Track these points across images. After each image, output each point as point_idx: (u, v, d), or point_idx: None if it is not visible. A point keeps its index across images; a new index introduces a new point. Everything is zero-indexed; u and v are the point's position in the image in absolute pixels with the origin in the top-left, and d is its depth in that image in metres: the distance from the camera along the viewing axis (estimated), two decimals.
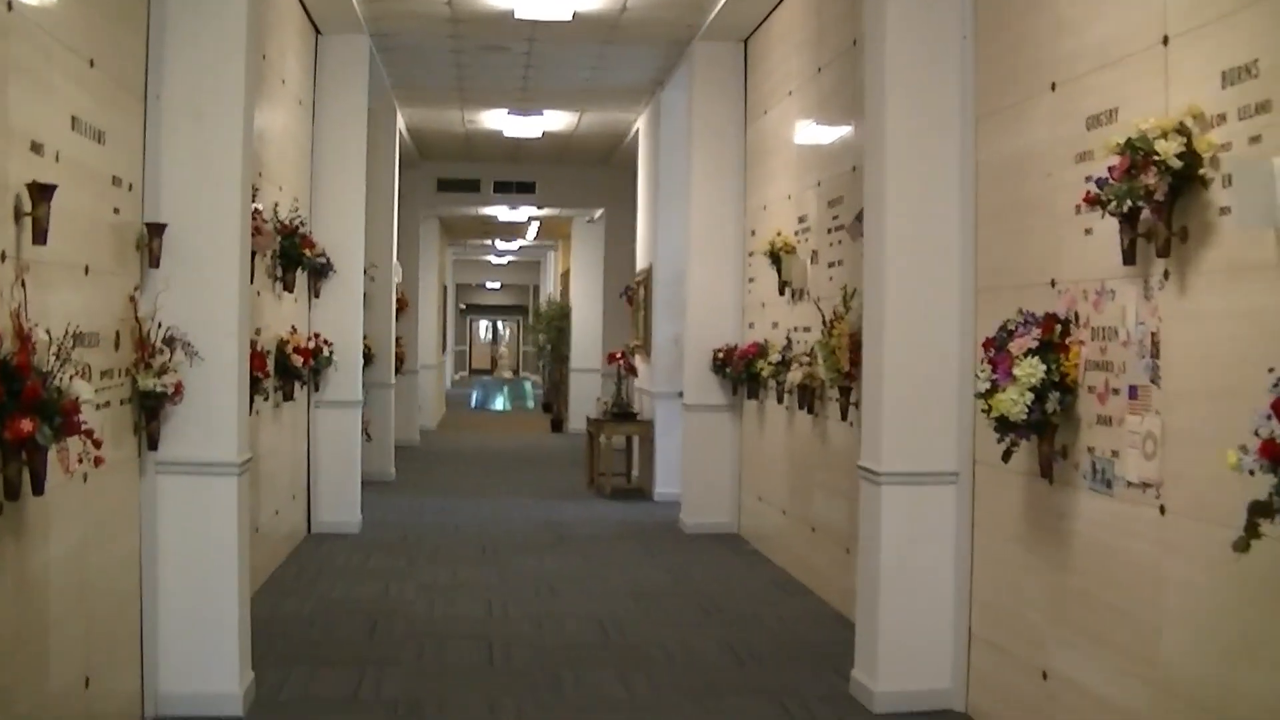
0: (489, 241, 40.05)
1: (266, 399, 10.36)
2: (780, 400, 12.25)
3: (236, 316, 7.57)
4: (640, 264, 19.02)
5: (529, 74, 16.88)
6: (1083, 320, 6.32)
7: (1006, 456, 6.60)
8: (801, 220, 11.81)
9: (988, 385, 6.48)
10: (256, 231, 9.51)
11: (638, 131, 19.98)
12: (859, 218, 9.23)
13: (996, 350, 6.50)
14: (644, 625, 10.12)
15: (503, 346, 65.65)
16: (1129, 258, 5.76)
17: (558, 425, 29.32)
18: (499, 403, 42.91)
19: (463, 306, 58.92)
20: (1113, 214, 5.68)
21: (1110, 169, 5.57)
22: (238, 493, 7.60)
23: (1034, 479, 6.75)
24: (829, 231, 10.89)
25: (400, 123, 19.61)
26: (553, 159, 24.59)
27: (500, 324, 67.68)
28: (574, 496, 17.79)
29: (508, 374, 59.85)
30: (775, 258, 12.15)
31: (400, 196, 19.48)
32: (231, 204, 7.57)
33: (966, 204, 7.73)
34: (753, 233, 13.80)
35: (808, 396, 11.16)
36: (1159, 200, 5.36)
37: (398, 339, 19.96)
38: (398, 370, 20.12)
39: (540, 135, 20.95)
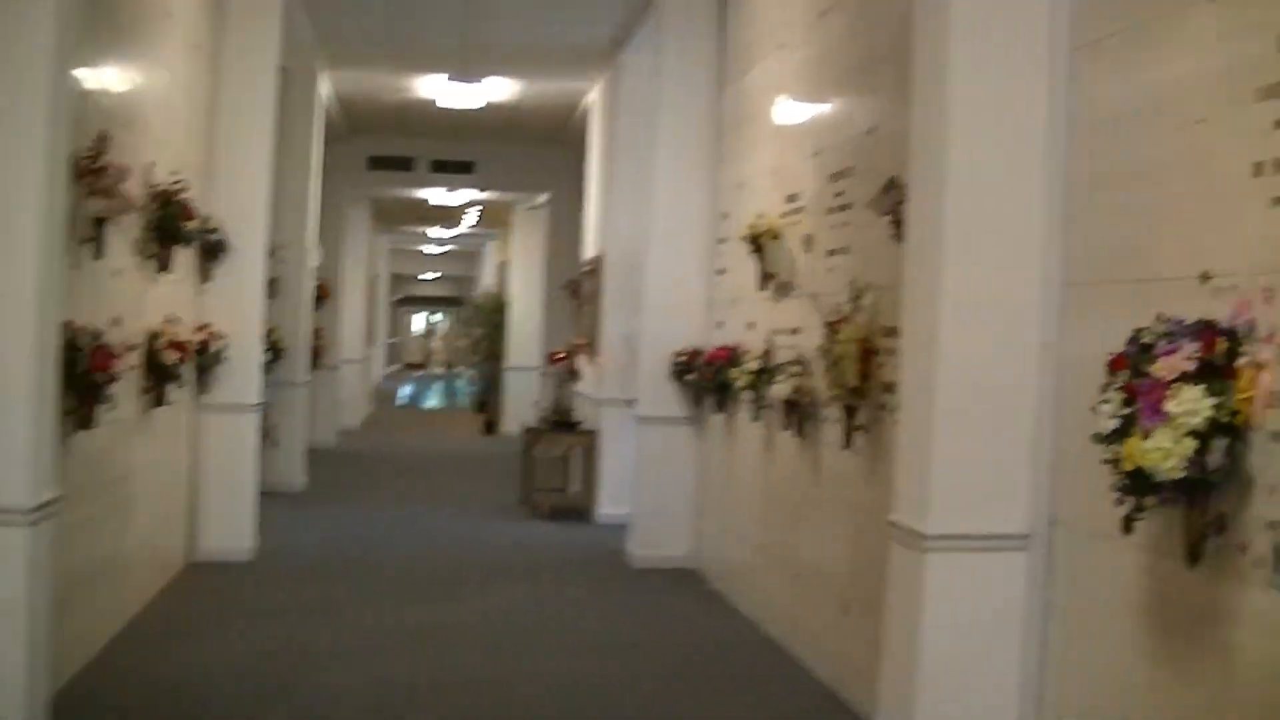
0: (424, 229, 37.97)
1: (114, 407, 8.05)
2: (757, 417, 10.24)
3: (34, 302, 5.49)
4: (589, 253, 17.15)
5: (470, 28, 14.80)
6: (1264, 331, 4.29)
7: (1128, 525, 4.58)
8: (791, 199, 9.78)
9: (1117, 424, 4.45)
10: (105, 192, 7.44)
11: (589, 106, 18.07)
12: (887, 189, 7.24)
13: (1134, 373, 4.45)
14: (591, 707, 8.06)
15: (436, 341, 63.93)
16: None
17: (491, 427, 27.35)
18: (430, 400, 41.15)
19: (399, 297, 57.44)
20: None
21: None
22: (31, 548, 5.51)
23: (1165, 559, 4.73)
24: (830, 212, 8.87)
25: (327, 88, 17.63)
26: (494, 136, 22.52)
27: (436, 317, 65.99)
28: (507, 515, 15.71)
29: (439, 369, 58.07)
30: (756, 244, 10.11)
31: (325, 173, 17.51)
32: (31, 138, 5.48)
33: (1054, 169, 5.69)
34: (725, 216, 11.78)
35: (796, 414, 9.15)
36: None
37: (317, 331, 18.09)
38: (316, 365, 18.23)
39: (484, 106, 18.86)
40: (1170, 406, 4.21)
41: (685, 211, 12.42)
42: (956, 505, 5.72)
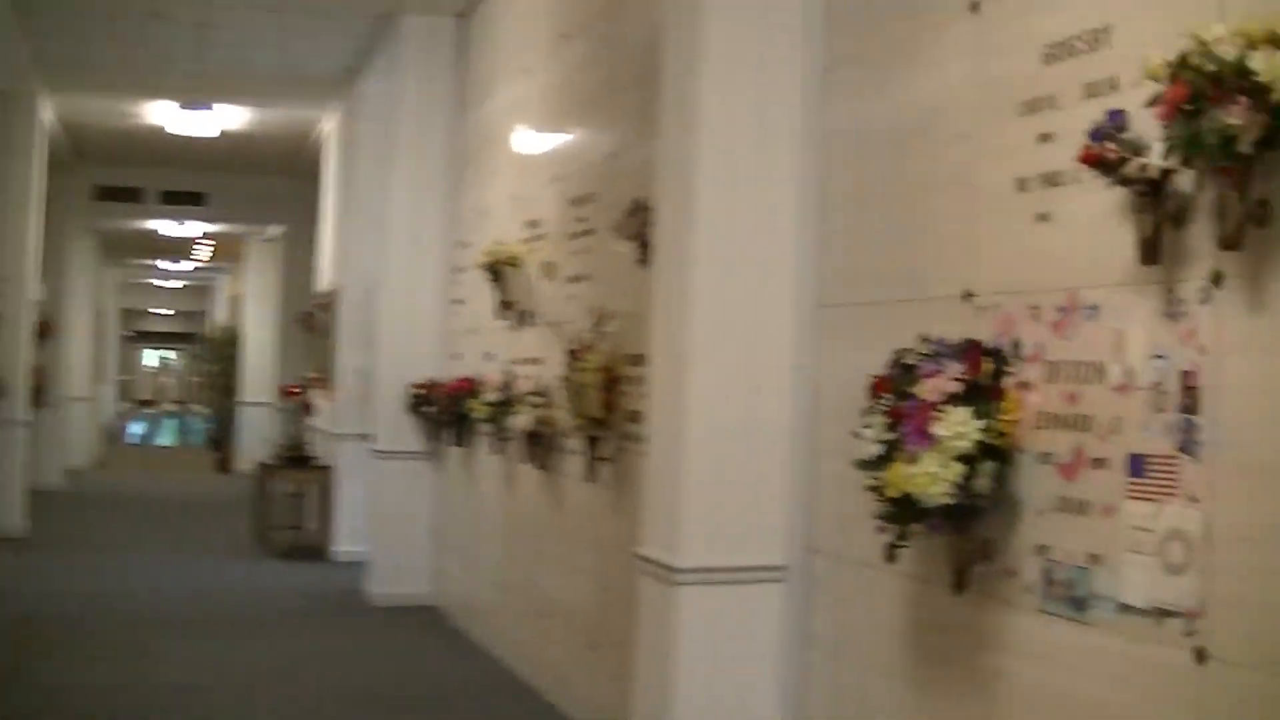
0: (154, 262, 36.93)
1: None
2: (497, 450, 9.95)
3: None
4: (323, 284, 16.73)
5: (202, 53, 14.34)
6: (1030, 350, 4.16)
7: (891, 553, 4.41)
8: (532, 225, 9.55)
9: (880, 449, 4.27)
10: None
11: (325, 135, 17.71)
12: (632, 212, 7.04)
13: (898, 395, 4.28)
14: None
15: (169, 377, 62.55)
16: (1150, 253, 3.61)
17: (225, 464, 26.61)
18: (163, 437, 40.22)
19: (131, 333, 56.00)
20: (1131, 181, 3.60)
21: (1162, 104, 3.38)
22: None
23: (930, 586, 4.57)
24: (572, 238, 8.66)
25: (49, 114, 16.97)
26: (227, 166, 21.87)
27: (170, 353, 64.58)
28: (239, 555, 15.15)
29: (172, 406, 56.78)
30: (495, 272, 9.83)
31: (48, 204, 16.91)
32: None
33: (809, 188, 5.52)
34: (463, 244, 11.50)
35: (538, 446, 8.90)
36: (1243, 153, 3.21)
37: (39, 368, 17.42)
38: (39, 403, 17.53)
39: (217, 134, 18.31)
40: (937, 429, 4.04)
41: (422, 240, 12.14)
42: (709, 537, 5.48)
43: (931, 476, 4.01)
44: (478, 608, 10.69)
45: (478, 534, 10.75)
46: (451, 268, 11.86)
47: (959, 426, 4.01)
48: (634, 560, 5.89)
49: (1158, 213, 3.57)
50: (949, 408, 4.07)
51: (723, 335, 5.49)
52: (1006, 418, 4.11)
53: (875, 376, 4.44)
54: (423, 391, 11.76)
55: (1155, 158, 3.49)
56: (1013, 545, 4.18)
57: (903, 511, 4.21)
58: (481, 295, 10.31)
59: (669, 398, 5.69)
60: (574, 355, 7.79)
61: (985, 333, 4.31)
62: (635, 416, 7.13)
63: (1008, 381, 4.18)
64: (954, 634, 4.48)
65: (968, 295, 4.46)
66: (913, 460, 4.08)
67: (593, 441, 7.77)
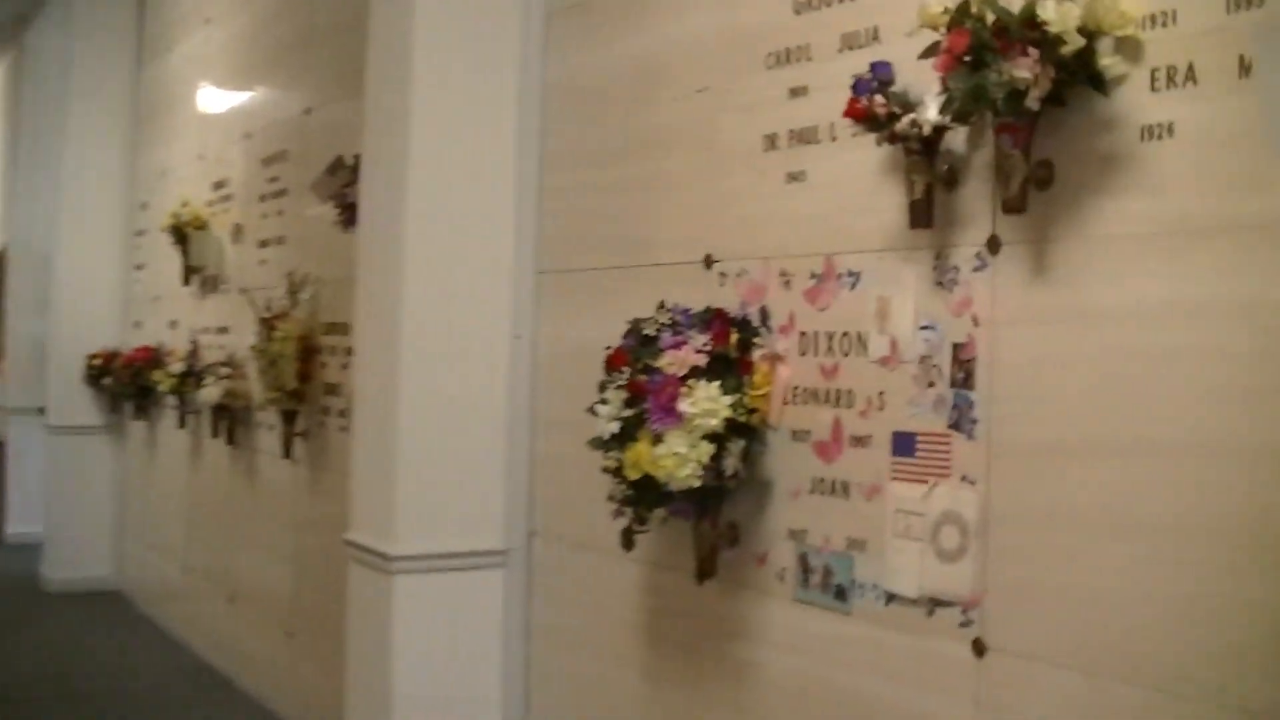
0: None
1: None
2: (182, 424, 9.44)
3: None
4: None
5: None
6: (782, 320, 3.89)
7: (629, 540, 4.11)
8: (219, 186, 9.06)
9: (618, 428, 3.94)
10: None
11: None
12: (331, 170, 6.61)
13: (639, 369, 3.95)
14: None
15: None
16: (920, 217, 3.36)
17: None
18: None
19: None
20: (901, 138, 3.34)
21: (943, 53, 3.10)
22: None
23: (670, 573, 4.30)
24: (263, 199, 8.20)
25: None
26: None
27: None
28: None
29: None
30: (179, 236, 9.31)
31: None
32: None
33: (528, 147, 5.18)
34: (144, 206, 10.92)
35: (227, 420, 8.44)
36: (1030, 110, 2.96)
37: None
38: None
39: None
40: (687, 406, 3.73)
41: (100, 202, 11.49)
42: (424, 521, 5.10)
43: (679, 458, 3.70)
44: (166, 592, 10.13)
45: (163, 513, 10.20)
46: (133, 231, 11.25)
47: (708, 403, 3.71)
48: (339, 544, 5.50)
49: (929, 173, 3.31)
50: (695, 382, 3.76)
51: (436, 303, 5.12)
52: (756, 393, 3.84)
53: (611, 348, 4.10)
54: (100, 362, 11.14)
55: (929, 113, 3.23)
56: (763, 530, 3.93)
57: (644, 494, 3.89)
58: (165, 260, 9.77)
59: (378, 371, 5.30)
60: (267, 324, 7.35)
61: (730, 301, 4.03)
62: (334, 389, 6.77)
63: (757, 354, 3.90)
64: (698, 623, 4.21)
65: (709, 261, 4.17)
66: (658, 439, 3.76)
67: (288, 416, 7.34)
